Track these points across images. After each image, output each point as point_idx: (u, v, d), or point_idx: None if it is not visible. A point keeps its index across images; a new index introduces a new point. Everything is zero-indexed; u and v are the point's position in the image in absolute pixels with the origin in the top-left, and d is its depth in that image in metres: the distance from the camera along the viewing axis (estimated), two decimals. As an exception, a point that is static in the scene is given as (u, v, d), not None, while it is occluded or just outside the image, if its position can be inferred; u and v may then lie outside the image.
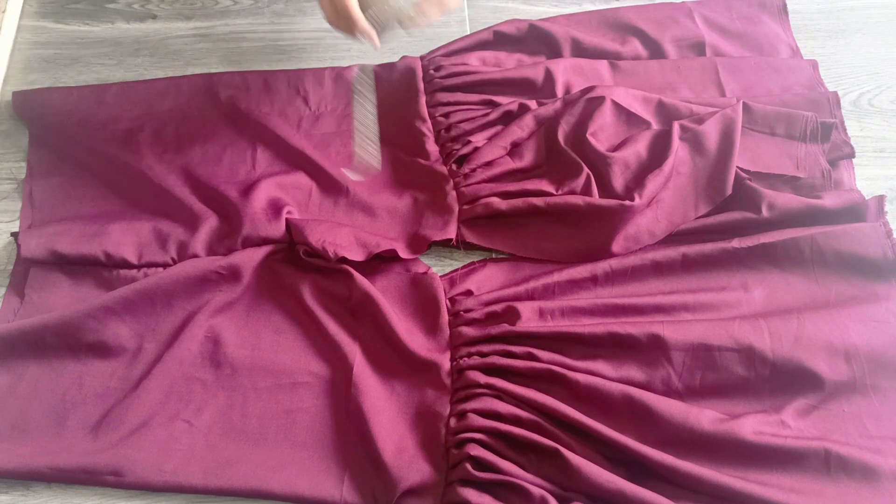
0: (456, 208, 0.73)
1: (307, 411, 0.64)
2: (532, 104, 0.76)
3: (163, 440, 0.63)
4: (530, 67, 0.79)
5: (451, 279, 0.71)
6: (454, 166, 0.75)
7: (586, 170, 0.71)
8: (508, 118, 0.76)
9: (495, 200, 0.72)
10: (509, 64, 0.82)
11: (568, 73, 0.79)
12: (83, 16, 0.90)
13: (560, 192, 0.71)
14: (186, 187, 0.74)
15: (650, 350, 0.63)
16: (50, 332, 0.66)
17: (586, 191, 0.71)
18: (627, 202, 0.68)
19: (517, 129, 0.75)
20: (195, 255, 0.70)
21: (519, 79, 0.78)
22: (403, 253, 0.70)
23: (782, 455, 0.59)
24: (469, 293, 0.69)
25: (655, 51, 0.84)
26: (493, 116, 0.76)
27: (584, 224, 0.71)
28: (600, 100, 0.74)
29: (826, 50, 0.86)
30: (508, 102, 0.77)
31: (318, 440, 0.63)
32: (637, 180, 0.71)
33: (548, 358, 0.64)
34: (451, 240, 0.72)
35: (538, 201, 0.71)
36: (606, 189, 0.71)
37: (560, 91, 0.78)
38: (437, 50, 0.82)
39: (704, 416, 0.60)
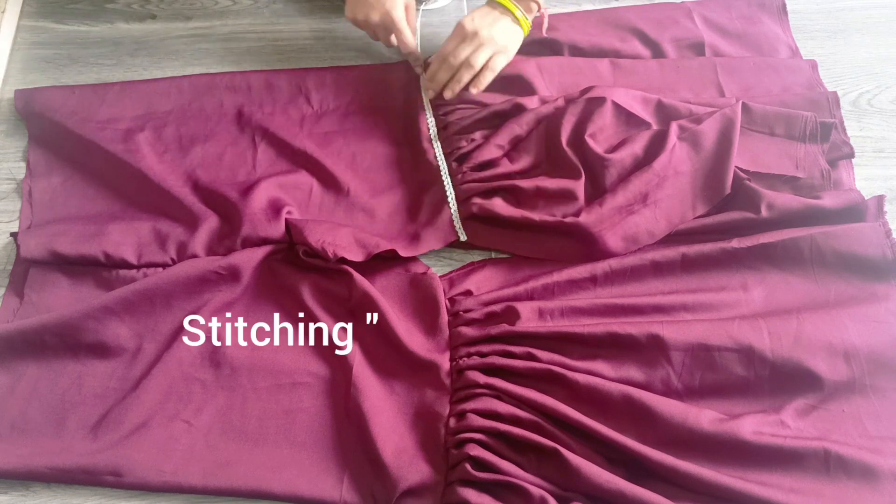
0: (456, 208, 0.73)
1: (307, 411, 0.64)
2: (532, 102, 0.76)
3: (162, 440, 0.63)
4: (522, 63, 0.79)
5: (451, 279, 0.71)
6: (455, 164, 0.75)
7: (583, 176, 0.71)
8: (505, 116, 0.76)
9: (495, 204, 0.71)
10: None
11: (563, 71, 0.79)
12: (83, 16, 0.90)
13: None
14: (186, 187, 0.74)
15: (650, 350, 0.63)
16: (49, 332, 0.66)
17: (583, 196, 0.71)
18: (600, 199, 0.69)
19: (516, 127, 0.75)
20: (195, 256, 0.70)
21: (513, 75, 0.78)
22: (403, 253, 0.70)
23: (782, 455, 0.59)
24: (468, 293, 0.69)
25: (655, 51, 0.84)
26: (487, 114, 0.76)
27: (581, 230, 0.71)
28: (601, 100, 0.74)
29: (825, 50, 0.86)
30: (503, 101, 0.77)
31: (318, 440, 0.63)
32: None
33: (547, 358, 0.64)
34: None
35: (534, 216, 0.70)
36: (602, 191, 0.71)
37: (553, 90, 0.78)
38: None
39: (704, 416, 0.60)
